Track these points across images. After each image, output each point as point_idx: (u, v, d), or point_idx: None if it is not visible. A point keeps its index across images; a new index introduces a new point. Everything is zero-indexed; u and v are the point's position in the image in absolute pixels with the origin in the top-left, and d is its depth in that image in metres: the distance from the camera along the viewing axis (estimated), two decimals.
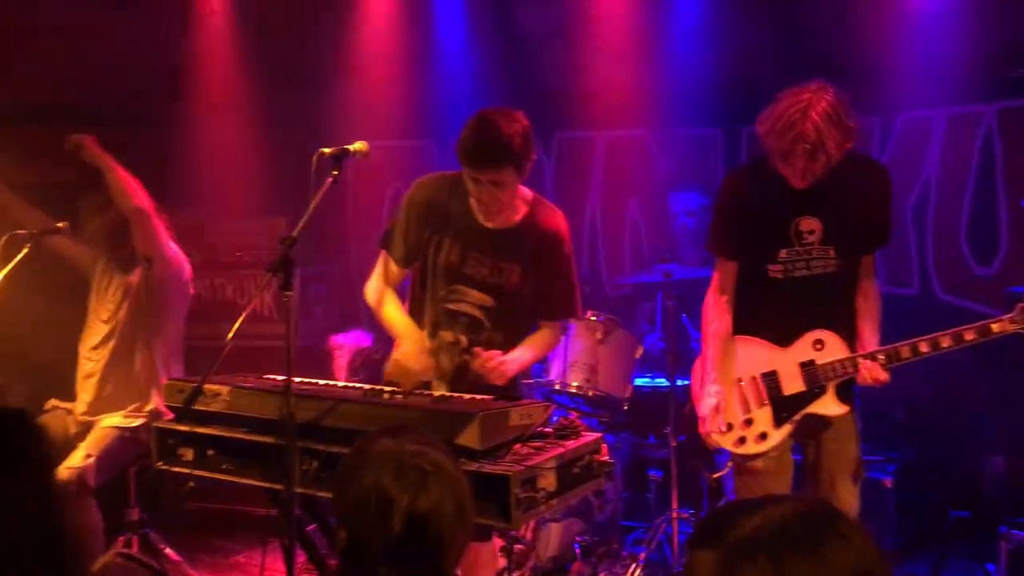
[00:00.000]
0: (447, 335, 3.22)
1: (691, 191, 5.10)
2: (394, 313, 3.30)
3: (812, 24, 5.21)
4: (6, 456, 1.51)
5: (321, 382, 3.19)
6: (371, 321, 5.72)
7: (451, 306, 3.24)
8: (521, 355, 3.25)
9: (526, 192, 3.25)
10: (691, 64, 5.33)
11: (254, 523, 4.74)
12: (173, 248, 4.24)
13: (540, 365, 4.57)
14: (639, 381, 4.61)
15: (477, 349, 3.14)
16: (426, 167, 5.93)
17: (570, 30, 5.65)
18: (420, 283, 3.34)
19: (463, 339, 3.21)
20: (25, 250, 3.84)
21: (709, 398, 3.27)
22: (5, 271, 3.75)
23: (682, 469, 4.26)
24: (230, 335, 2.60)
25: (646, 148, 5.82)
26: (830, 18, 5.14)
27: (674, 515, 4.21)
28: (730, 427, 3.30)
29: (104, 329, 4.21)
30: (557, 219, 3.27)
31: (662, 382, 4.62)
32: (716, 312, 3.36)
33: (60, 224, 4.06)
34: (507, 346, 3.24)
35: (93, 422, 4.13)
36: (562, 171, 5.98)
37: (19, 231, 3.86)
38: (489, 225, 3.20)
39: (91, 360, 4.22)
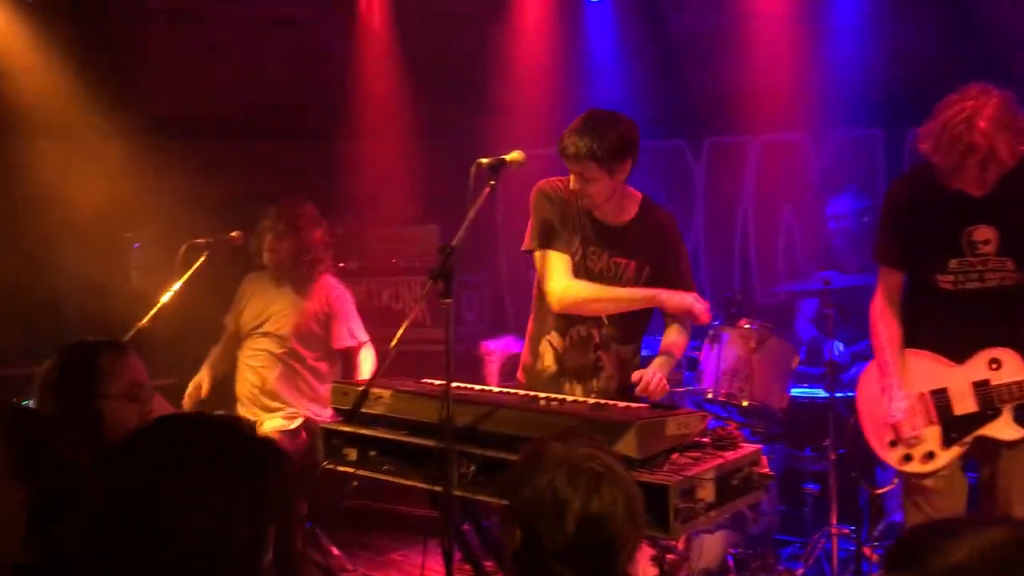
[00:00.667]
0: (578, 330, 3.30)
1: (844, 195, 4.91)
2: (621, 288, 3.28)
3: (979, 19, 4.94)
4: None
5: (477, 387, 3.26)
6: (521, 327, 5.81)
7: None
8: (667, 361, 3.27)
9: (635, 193, 3.37)
10: (851, 63, 5.14)
11: (410, 522, 4.87)
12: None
13: (691, 373, 4.53)
14: (796, 391, 4.48)
15: (635, 376, 3.15)
16: None
17: (722, 34, 5.55)
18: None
19: (595, 334, 3.30)
20: (202, 259, 4.06)
21: (899, 403, 3.13)
22: (184, 278, 3.98)
23: (841, 484, 4.11)
24: (393, 343, 2.70)
25: (802, 151, 5.65)
26: (999, 11, 4.86)
27: (833, 531, 4.06)
28: (894, 444, 3.18)
29: (268, 342, 4.40)
30: (667, 217, 3.40)
31: (820, 393, 4.47)
32: (884, 321, 3.23)
33: (233, 234, 4.27)
34: (622, 342, 3.32)
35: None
36: (713, 177, 5.89)
37: (197, 240, 4.09)
38: (604, 220, 3.30)
39: (253, 369, 4.42)
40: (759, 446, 2.69)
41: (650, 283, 3.28)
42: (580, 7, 5.60)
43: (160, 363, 4.85)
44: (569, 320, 3.33)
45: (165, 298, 3.89)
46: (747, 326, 4.23)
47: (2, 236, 5.00)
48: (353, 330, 4.49)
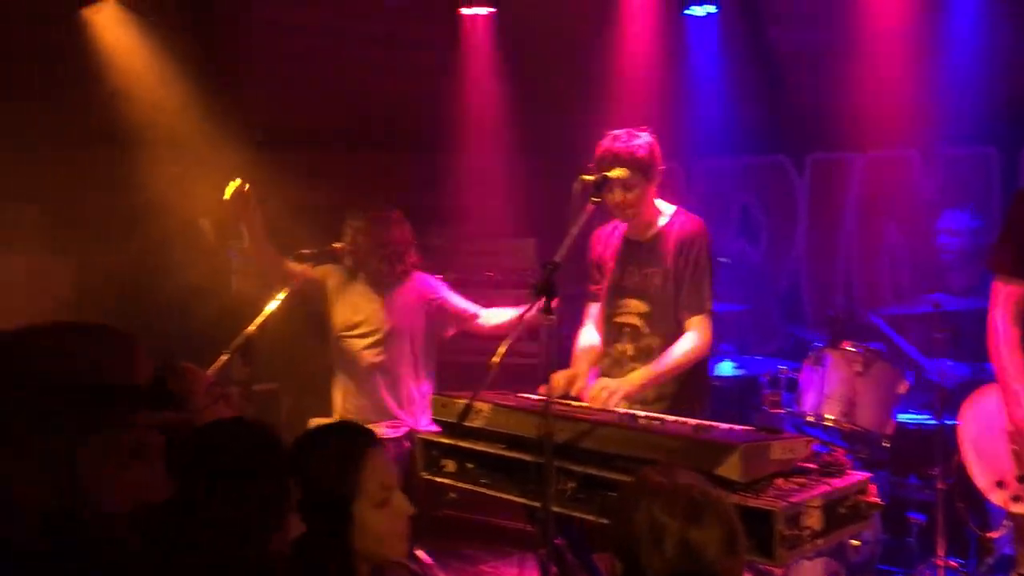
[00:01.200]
0: (616, 348, 3.52)
1: (960, 211, 4.73)
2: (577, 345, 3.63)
3: None
4: None
5: (575, 403, 3.26)
6: None
7: (617, 319, 3.55)
8: (644, 374, 3.32)
9: (668, 206, 3.54)
10: (964, 78, 4.97)
11: (501, 534, 4.88)
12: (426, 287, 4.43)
13: (791, 394, 4.42)
14: (902, 417, 4.33)
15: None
16: (674, 188, 5.90)
17: (827, 48, 5.43)
18: (603, 308, 3.64)
19: (628, 348, 3.49)
20: (307, 268, 4.16)
21: None
22: (290, 287, 4.06)
23: (948, 514, 3.96)
24: (496, 359, 2.70)
25: (909, 169, 5.48)
26: None
27: (940, 563, 3.91)
28: (1001, 484, 3.04)
29: (365, 349, 4.37)
30: (693, 223, 3.49)
31: (928, 419, 4.31)
32: (1009, 346, 3.05)
33: (337, 244, 4.34)
34: (664, 350, 3.41)
35: None
36: (816, 193, 5.76)
37: (302, 250, 4.18)
38: (637, 239, 3.52)
39: (353, 379, 4.40)
40: (868, 474, 2.61)
41: (674, 291, 3.41)
42: (683, 22, 5.54)
43: (265, 369, 4.98)
44: (609, 338, 3.57)
45: (272, 306, 3.96)
46: (851, 348, 4.12)
47: (118, 241, 5.21)
48: (463, 307, 4.44)
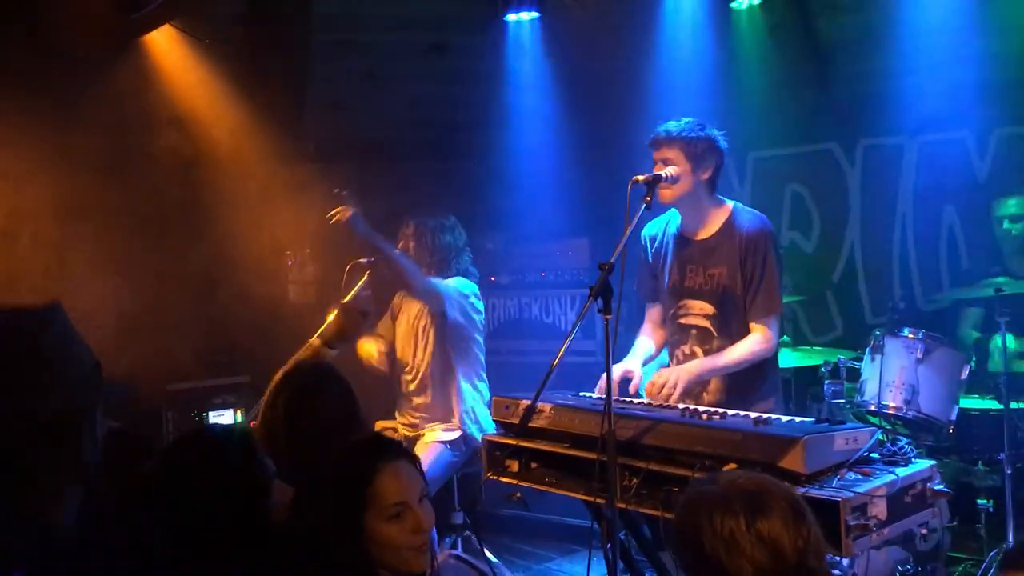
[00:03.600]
0: (682, 350, 3.48)
1: (1018, 195, 4.69)
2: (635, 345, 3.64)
3: None
4: None
5: (636, 401, 3.30)
6: None
7: (681, 320, 3.49)
8: (704, 362, 3.32)
9: (726, 205, 3.45)
10: (1018, 56, 4.88)
11: (567, 532, 4.93)
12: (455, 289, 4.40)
13: (851, 384, 4.40)
14: (967, 403, 4.28)
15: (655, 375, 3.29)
16: (723, 180, 5.88)
17: (874, 33, 5.37)
18: (663, 310, 3.62)
19: (697, 351, 3.44)
20: (365, 276, 4.24)
21: None
22: (349, 296, 4.15)
23: (1017, 499, 3.92)
24: (555, 361, 2.75)
25: (963, 151, 5.40)
26: None
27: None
28: None
29: (413, 352, 4.52)
30: (755, 220, 3.41)
31: (993, 404, 4.27)
32: None
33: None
34: None
35: (417, 437, 4.50)
36: (868, 180, 5.70)
37: (360, 260, 4.27)
38: (697, 238, 3.44)
39: (407, 380, 4.56)
40: (933, 462, 2.62)
41: (742, 292, 3.35)
42: (727, 15, 5.51)
43: None
44: (675, 341, 3.53)
45: (331, 318, 4.07)
46: (911, 335, 4.09)
47: (183, 257, 5.36)
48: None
